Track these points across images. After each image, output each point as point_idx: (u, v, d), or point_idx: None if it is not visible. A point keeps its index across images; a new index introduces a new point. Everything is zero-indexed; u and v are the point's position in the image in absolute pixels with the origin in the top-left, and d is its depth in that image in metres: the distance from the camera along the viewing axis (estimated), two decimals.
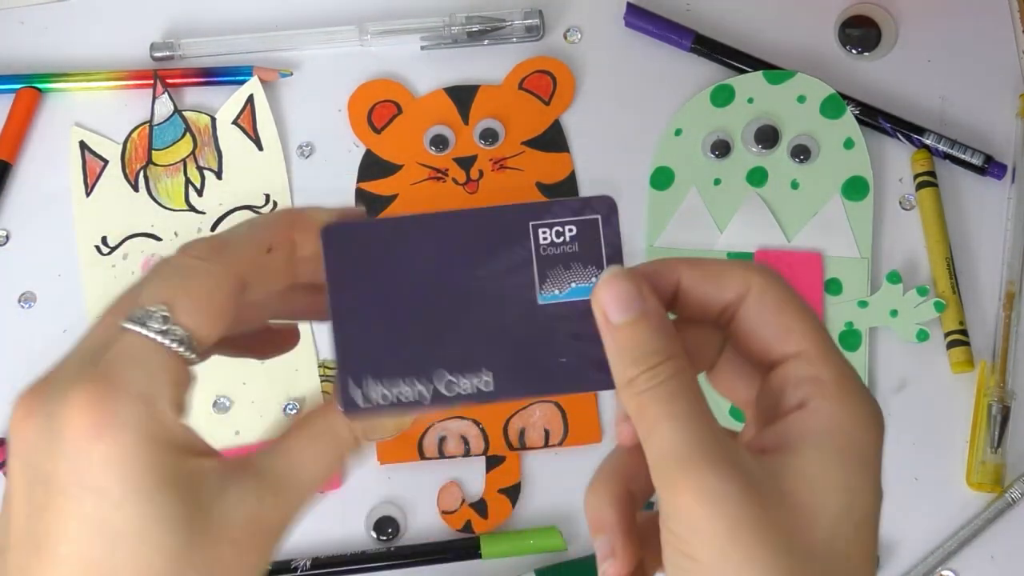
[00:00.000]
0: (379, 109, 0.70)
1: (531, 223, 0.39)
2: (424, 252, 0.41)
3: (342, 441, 0.38)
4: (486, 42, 0.70)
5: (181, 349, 0.35)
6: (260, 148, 0.70)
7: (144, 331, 0.35)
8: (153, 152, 0.70)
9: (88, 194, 0.70)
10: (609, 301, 0.36)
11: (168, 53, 0.71)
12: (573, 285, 0.39)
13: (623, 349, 0.36)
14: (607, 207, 0.38)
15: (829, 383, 0.35)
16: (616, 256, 0.39)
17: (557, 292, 0.39)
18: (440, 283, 0.41)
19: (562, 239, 0.39)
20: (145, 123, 0.71)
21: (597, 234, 0.39)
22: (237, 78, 0.71)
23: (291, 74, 0.71)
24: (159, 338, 0.35)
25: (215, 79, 0.71)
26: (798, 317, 0.36)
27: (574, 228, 0.39)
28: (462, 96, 0.70)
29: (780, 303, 0.37)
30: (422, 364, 0.40)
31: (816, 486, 0.34)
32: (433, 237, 0.41)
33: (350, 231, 0.41)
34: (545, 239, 0.39)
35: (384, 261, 0.42)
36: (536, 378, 0.39)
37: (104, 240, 0.69)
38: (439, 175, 0.69)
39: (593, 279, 0.38)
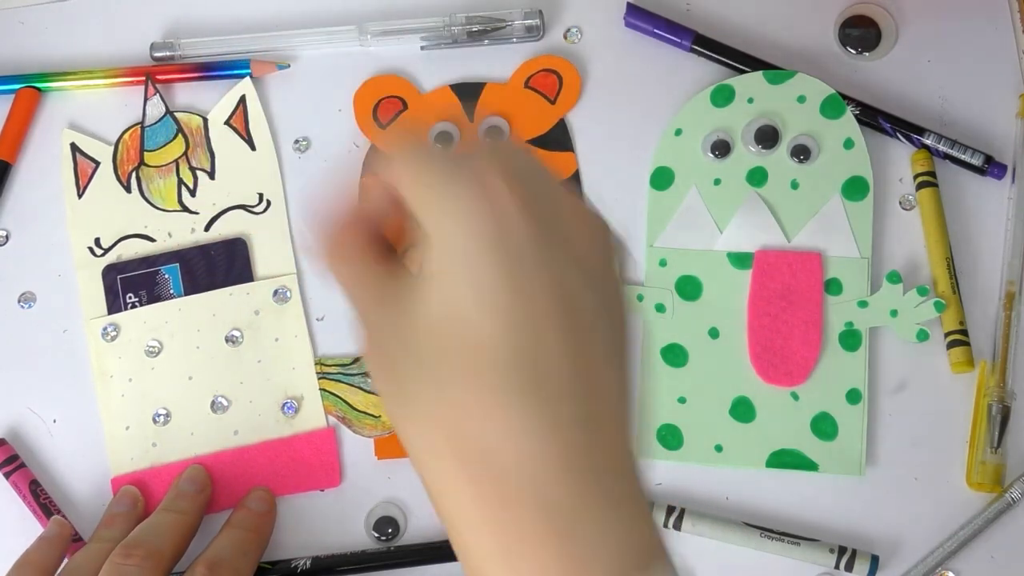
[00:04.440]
0: (385, 104, 0.70)
1: None
2: None
3: None
4: (486, 42, 0.70)
5: None
6: (253, 148, 0.70)
7: None
8: (145, 153, 0.70)
9: (80, 196, 0.70)
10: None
11: (168, 53, 0.71)
12: None
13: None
14: None
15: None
16: None
17: None
18: None
19: None
20: (136, 124, 0.71)
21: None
22: (234, 72, 0.71)
23: (288, 66, 0.71)
24: None
25: (212, 74, 0.71)
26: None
27: None
28: (467, 93, 0.70)
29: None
30: None
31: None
32: None
33: None
34: None
35: None
36: None
37: (97, 241, 0.69)
38: None
39: None
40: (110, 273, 0.69)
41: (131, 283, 0.68)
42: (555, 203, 0.41)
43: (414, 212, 0.41)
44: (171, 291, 0.68)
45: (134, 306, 0.68)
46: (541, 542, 0.38)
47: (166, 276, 0.68)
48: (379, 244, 0.43)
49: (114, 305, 0.68)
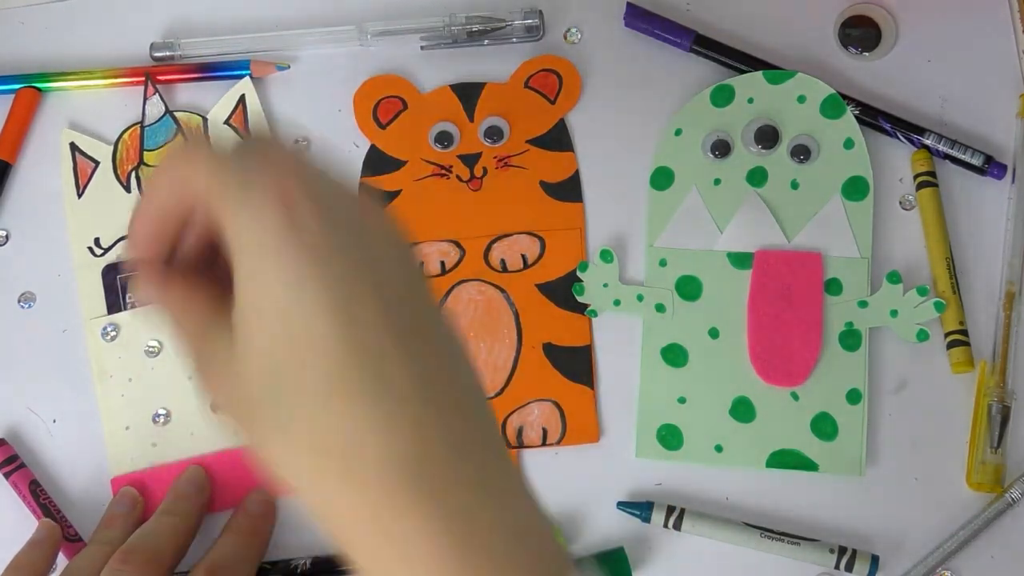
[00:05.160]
0: (385, 104, 0.70)
1: None
2: None
3: None
4: (486, 42, 0.70)
5: None
6: None
7: None
8: (145, 153, 0.70)
9: (80, 195, 0.70)
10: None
11: (168, 53, 0.72)
12: None
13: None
14: None
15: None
16: None
17: None
18: None
19: None
20: (136, 124, 0.71)
21: None
22: (234, 72, 0.71)
23: (288, 67, 0.71)
24: None
25: (212, 74, 0.71)
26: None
27: None
28: (468, 93, 0.70)
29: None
30: None
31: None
32: None
33: None
34: None
35: None
36: None
37: (97, 241, 0.69)
38: (443, 172, 0.69)
39: None
40: (110, 273, 0.69)
41: (132, 283, 0.68)
42: (350, 208, 0.40)
43: (212, 211, 0.40)
44: None
45: (134, 306, 0.68)
46: (427, 534, 0.37)
47: None
48: (201, 275, 0.42)
49: (114, 305, 0.68)
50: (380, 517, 0.38)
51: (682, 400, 0.65)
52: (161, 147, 0.70)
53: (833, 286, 0.66)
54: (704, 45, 0.69)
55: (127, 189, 0.70)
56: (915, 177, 0.67)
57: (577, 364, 0.66)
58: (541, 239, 0.68)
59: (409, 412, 0.38)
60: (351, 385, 0.37)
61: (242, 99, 0.71)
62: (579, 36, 0.71)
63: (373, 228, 0.40)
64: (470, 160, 0.69)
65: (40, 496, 0.66)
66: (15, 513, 0.66)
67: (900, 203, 0.67)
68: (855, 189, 0.67)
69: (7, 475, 0.66)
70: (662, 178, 0.68)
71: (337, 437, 0.37)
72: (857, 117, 0.67)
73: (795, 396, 0.65)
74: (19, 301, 0.69)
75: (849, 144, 0.67)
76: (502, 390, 0.66)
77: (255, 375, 0.39)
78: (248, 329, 0.39)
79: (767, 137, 0.67)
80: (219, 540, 0.63)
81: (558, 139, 0.69)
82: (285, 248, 0.38)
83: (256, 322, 0.38)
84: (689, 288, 0.67)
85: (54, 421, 0.68)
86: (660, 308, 0.66)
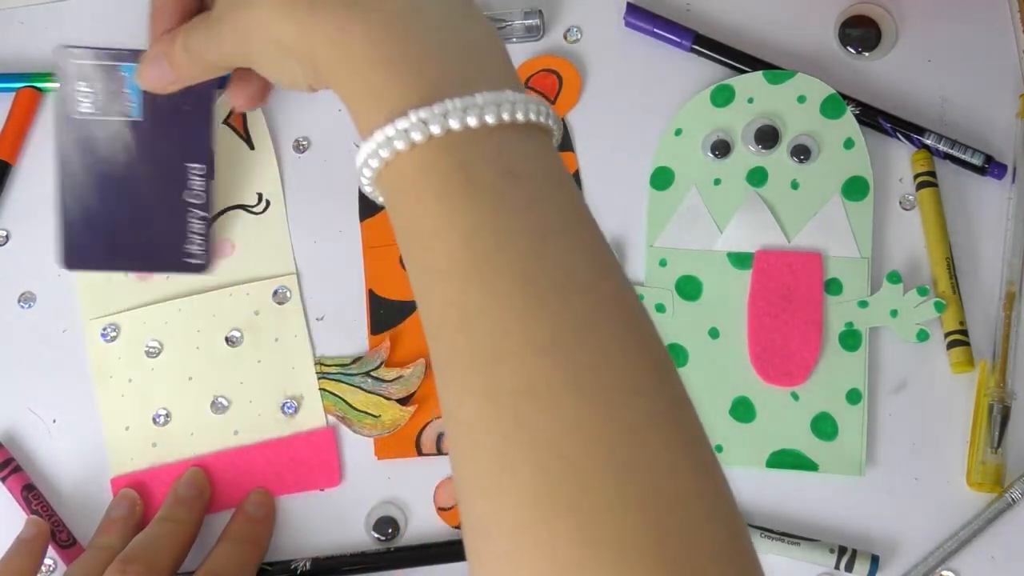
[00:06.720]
0: None
1: None
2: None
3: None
4: None
5: None
6: (251, 147, 0.70)
7: None
8: None
9: None
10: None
11: None
12: None
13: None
14: None
15: None
16: None
17: None
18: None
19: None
20: None
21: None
22: None
23: None
24: None
25: None
26: None
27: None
28: None
29: None
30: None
31: None
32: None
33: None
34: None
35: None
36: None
37: None
38: None
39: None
40: (62, 52, 0.64)
41: (86, 73, 0.64)
42: None
43: None
44: (127, 92, 0.64)
45: (86, 98, 0.63)
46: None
47: (123, 74, 0.64)
48: None
49: (66, 91, 0.63)
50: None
51: None
52: None
53: (833, 286, 0.66)
54: (704, 45, 0.69)
55: None
56: (915, 177, 0.67)
57: None
58: None
59: None
60: None
61: None
62: (579, 36, 0.71)
63: None
64: None
65: (33, 502, 0.65)
66: (15, 516, 0.66)
67: (900, 203, 0.67)
68: (855, 189, 0.67)
69: (3, 479, 0.66)
70: (662, 178, 0.68)
71: None
72: (857, 117, 0.67)
73: (795, 396, 0.65)
74: (19, 301, 0.70)
75: (849, 144, 0.67)
76: None
77: None
78: None
79: (767, 137, 0.67)
80: (216, 548, 0.63)
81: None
82: None
83: None
84: (689, 288, 0.66)
85: (54, 421, 0.68)
86: (660, 308, 0.66)
